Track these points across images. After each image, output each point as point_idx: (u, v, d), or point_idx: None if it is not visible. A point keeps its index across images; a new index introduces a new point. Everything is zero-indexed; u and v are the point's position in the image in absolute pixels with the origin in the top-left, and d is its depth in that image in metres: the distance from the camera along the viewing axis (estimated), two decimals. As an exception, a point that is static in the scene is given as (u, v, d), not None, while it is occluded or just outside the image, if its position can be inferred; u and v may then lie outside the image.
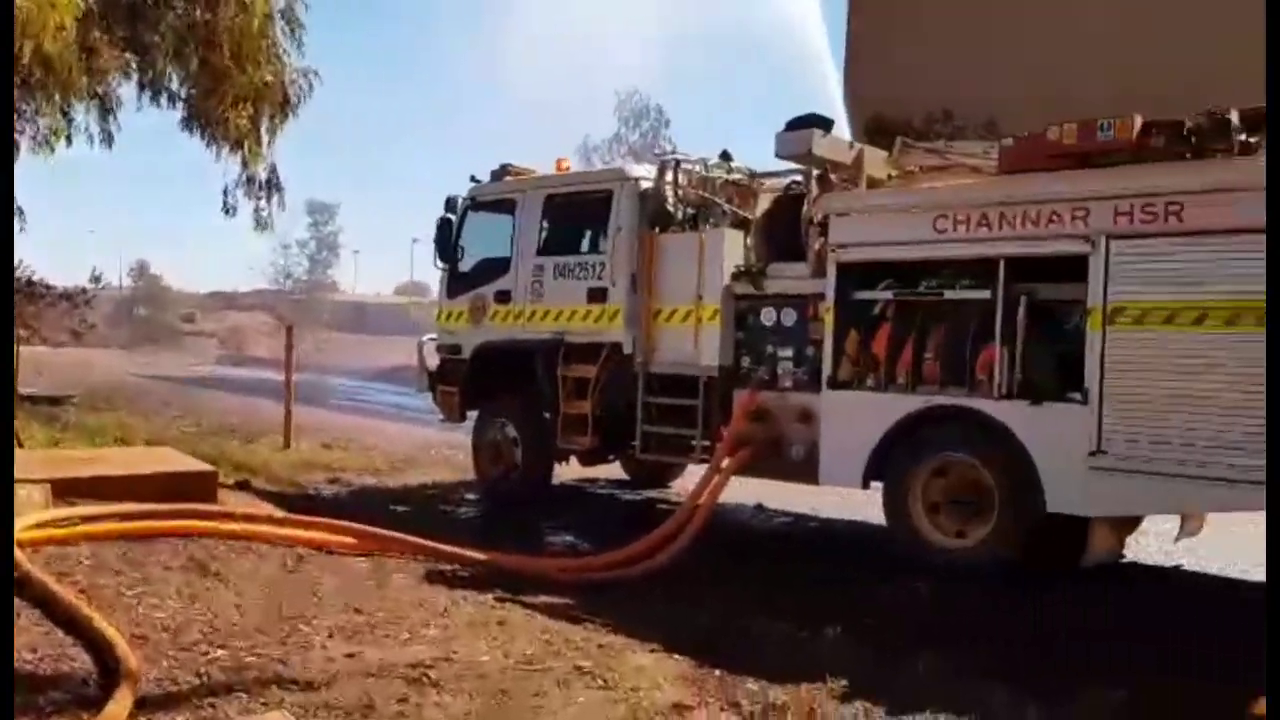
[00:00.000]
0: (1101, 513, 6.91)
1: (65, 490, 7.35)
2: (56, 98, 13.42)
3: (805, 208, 8.47)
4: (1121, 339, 6.69)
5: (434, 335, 11.47)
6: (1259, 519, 6.00)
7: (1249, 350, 6.14)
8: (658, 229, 9.40)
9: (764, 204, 9.12)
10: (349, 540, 7.24)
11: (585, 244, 10.05)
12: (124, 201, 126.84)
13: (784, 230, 8.64)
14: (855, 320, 8.05)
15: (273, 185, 14.60)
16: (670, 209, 9.46)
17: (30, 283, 21.54)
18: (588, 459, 10.61)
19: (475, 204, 10.93)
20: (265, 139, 14.33)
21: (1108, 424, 6.72)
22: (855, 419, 7.93)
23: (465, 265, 10.99)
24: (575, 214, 10.19)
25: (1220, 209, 6.33)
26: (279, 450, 13.10)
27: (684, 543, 7.73)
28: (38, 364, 21.58)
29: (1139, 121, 6.82)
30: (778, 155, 8.66)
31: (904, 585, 7.12)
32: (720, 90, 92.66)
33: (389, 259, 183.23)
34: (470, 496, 10.99)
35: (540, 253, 10.20)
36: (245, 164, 14.26)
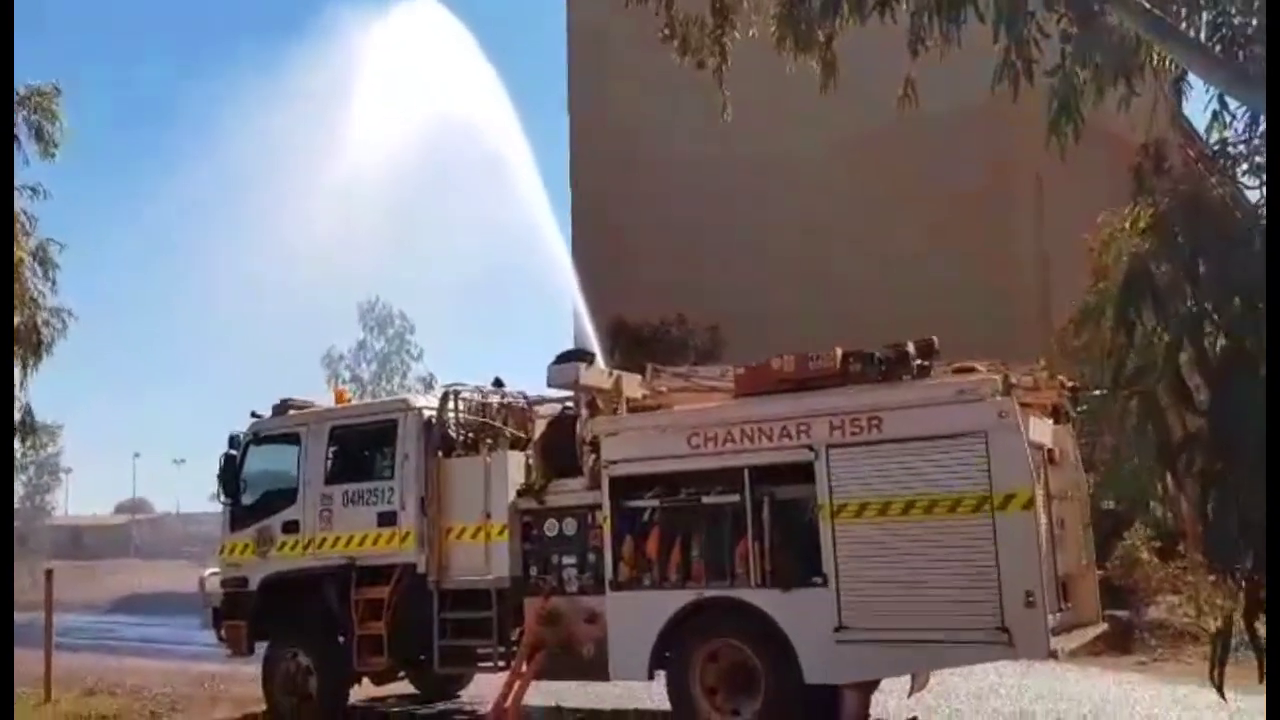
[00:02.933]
0: (849, 679, 8.16)
1: None
2: None
3: (579, 429, 9.62)
4: (848, 530, 8.13)
5: (215, 570, 11.57)
6: (966, 672, 7.41)
7: (946, 532, 7.73)
8: (441, 454, 10.24)
9: (540, 427, 10.21)
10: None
11: (373, 471, 10.71)
12: None
13: (561, 450, 9.73)
14: (629, 527, 9.14)
15: (27, 426, 14.27)
16: (452, 434, 10.35)
17: None
18: (381, 678, 10.93)
19: (259, 438, 11.36)
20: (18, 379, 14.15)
21: (845, 602, 8.05)
22: (636, 616, 8.91)
23: (249, 499, 11.31)
24: (362, 443, 10.87)
25: (909, 420, 8.00)
26: (40, 704, 12.41)
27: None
28: None
29: (840, 352, 8.51)
30: (550, 385, 9.86)
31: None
32: (463, 297, 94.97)
33: (106, 476, 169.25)
34: (261, 733, 10.94)
35: (329, 481, 10.74)
36: None
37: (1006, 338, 17.89)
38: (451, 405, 10.38)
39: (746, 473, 8.60)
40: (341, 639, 10.59)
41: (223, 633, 11.31)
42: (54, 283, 15.31)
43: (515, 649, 9.47)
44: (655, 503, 9.08)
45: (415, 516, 10.16)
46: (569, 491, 9.56)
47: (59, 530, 68.65)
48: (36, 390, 15.37)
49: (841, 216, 26.21)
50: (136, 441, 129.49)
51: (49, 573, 13.74)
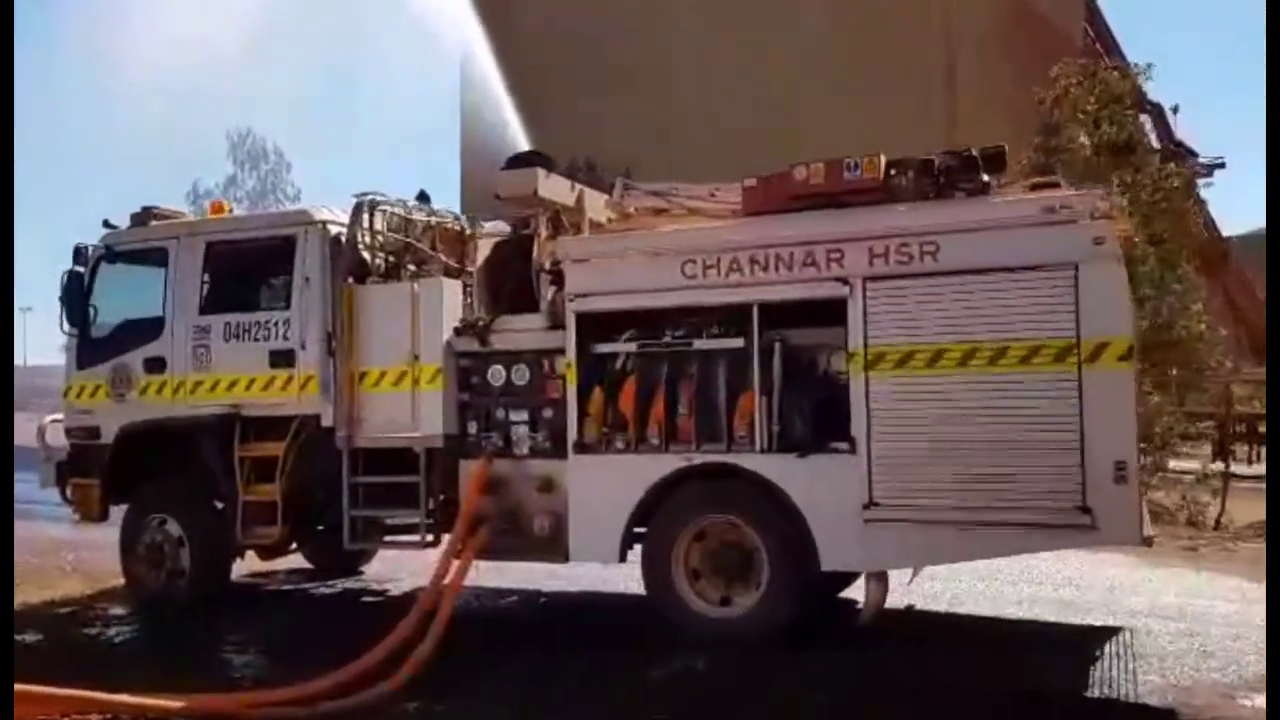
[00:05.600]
0: (880, 567, 6.65)
1: None
2: None
3: (535, 254, 7.65)
4: (886, 384, 6.49)
5: (59, 416, 9.29)
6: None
7: (1015, 389, 6.17)
8: (352, 280, 8.13)
9: (484, 251, 8.16)
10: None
11: (263, 299, 8.53)
12: None
13: (511, 278, 7.76)
14: (598, 376, 7.33)
15: None
16: (366, 256, 8.22)
17: None
18: (270, 552, 9.01)
19: (112, 254, 8.99)
20: None
21: (878, 473, 6.47)
22: (606, 485, 7.18)
23: (101, 329, 9.00)
24: (248, 263, 8.65)
25: (974, 246, 6.31)
26: None
27: (430, 645, 6.55)
28: None
29: (883, 160, 6.72)
30: (499, 196, 7.78)
31: (682, 663, 6.50)
32: (342, 131, 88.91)
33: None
34: (118, 612, 8.91)
35: (205, 311, 8.53)
36: None
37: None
38: (366, 220, 8.21)
39: (755, 310, 6.83)
40: (220, 504, 8.58)
41: (69, 492, 9.14)
42: None
43: (437, 520, 7.73)
44: (633, 346, 7.26)
45: (319, 357, 8.10)
46: (521, 331, 7.64)
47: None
48: None
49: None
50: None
51: None
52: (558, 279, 7.51)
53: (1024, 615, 8.01)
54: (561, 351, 7.39)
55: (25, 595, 9.43)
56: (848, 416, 6.59)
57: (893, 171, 6.72)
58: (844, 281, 6.59)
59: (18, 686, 5.34)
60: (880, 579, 6.77)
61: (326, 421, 8.05)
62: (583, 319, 7.28)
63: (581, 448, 7.26)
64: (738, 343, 6.94)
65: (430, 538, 7.83)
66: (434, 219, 8.68)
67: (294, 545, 9.24)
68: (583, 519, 7.23)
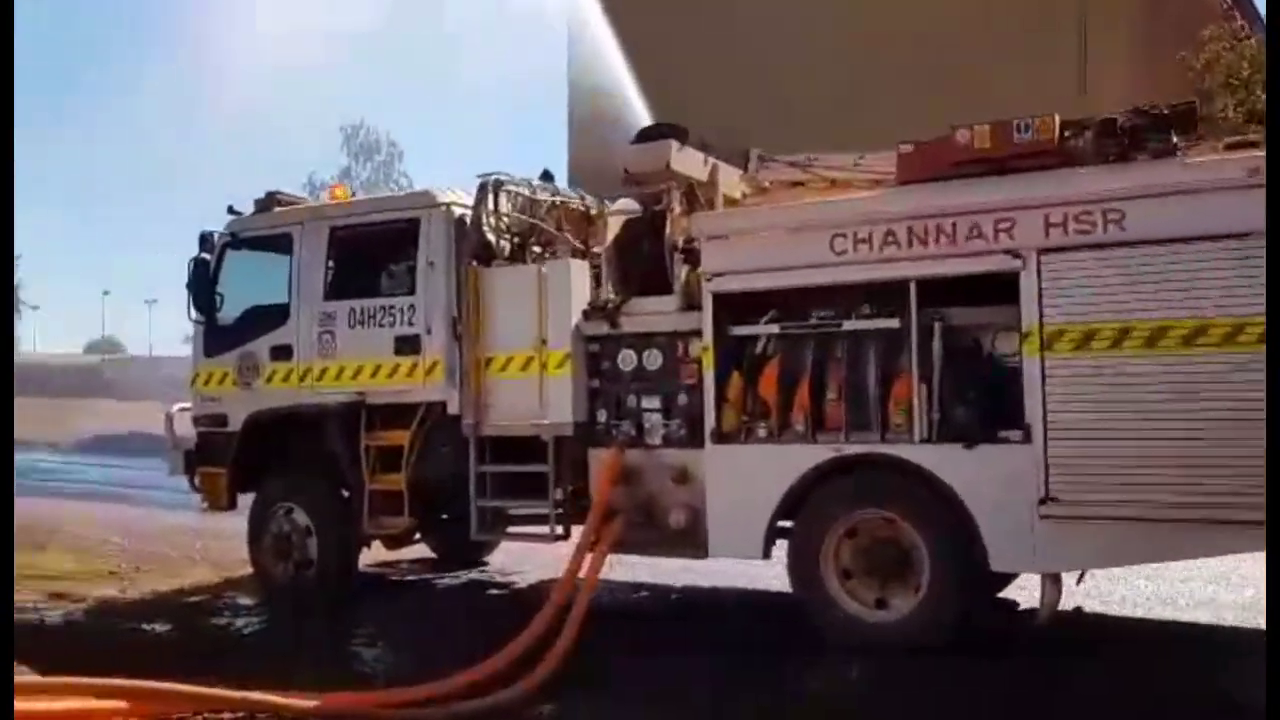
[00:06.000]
0: (1058, 568, 6.04)
1: None
2: None
3: (668, 231, 7.22)
4: (1064, 366, 5.86)
5: (187, 404, 9.26)
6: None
7: (1214, 372, 5.49)
8: (477, 263, 7.82)
9: (613, 230, 7.76)
10: (120, 705, 5.17)
11: (388, 284, 8.30)
12: None
13: (643, 258, 7.35)
14: (738, 360, 6.88)
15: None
16: (491, 238, 7.90)
17: None
18: (396, 542, 8.81)
19: (237, 241, 8.89)
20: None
21: (1056, 465, 5.85)
22: (748, 477, 6.72)
23: (228, 316, 8.91)
24: (372, 249, 8.42)
25: (1166, 213, 5.64)
26: (-24, 561, 10.27)
27: (567, 644, 6.21)
28: None
29: (1057, 120, 6.08)
30: (629, 172, 7.38)
31: (837, 670, 6.01)
32: (453, 121, 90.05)
33: (75, 314, 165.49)
34: (246, 602, 8.84)
35: (330, 296, 8.34)
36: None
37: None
38: (491, 201, 7.89)
39: (913, 288, 6.27)
40: (347, 493, 8.40)
41: (197, 481, 9.09)
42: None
43: (566, 512, 7.41)
44: (775, 328, 6.77)
45: (444, 342, 7.83)
46: (655, 313, 7.22)
47: (27, 368, 66.39)
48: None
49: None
50: (106, 279, 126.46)
51: None
52: (692, 258, 7.07)
53: (1206, 619, 7.28)
54: (697, 334, 6.95)
55: (154, 583, 9.50)
56: (1020, 403, 5.98)
57: (1067, 133, 6.08)
58: (1015, 254, 5.98)
59: (153, 684, 5.18)
60: (1055, 580, 6.15)
61: (452, 409, 7.78)
62: (720, 299, 6.82)
63: (720, 436, 6.81)
64: (892, 323, 6.40)
65: (559, 530, 7.49)
66: (559, 198, 8.33)
67: (418, 535, 9.04)
68: (723, 513, 6.79)
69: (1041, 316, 5.90)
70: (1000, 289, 6.07)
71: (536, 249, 8.07)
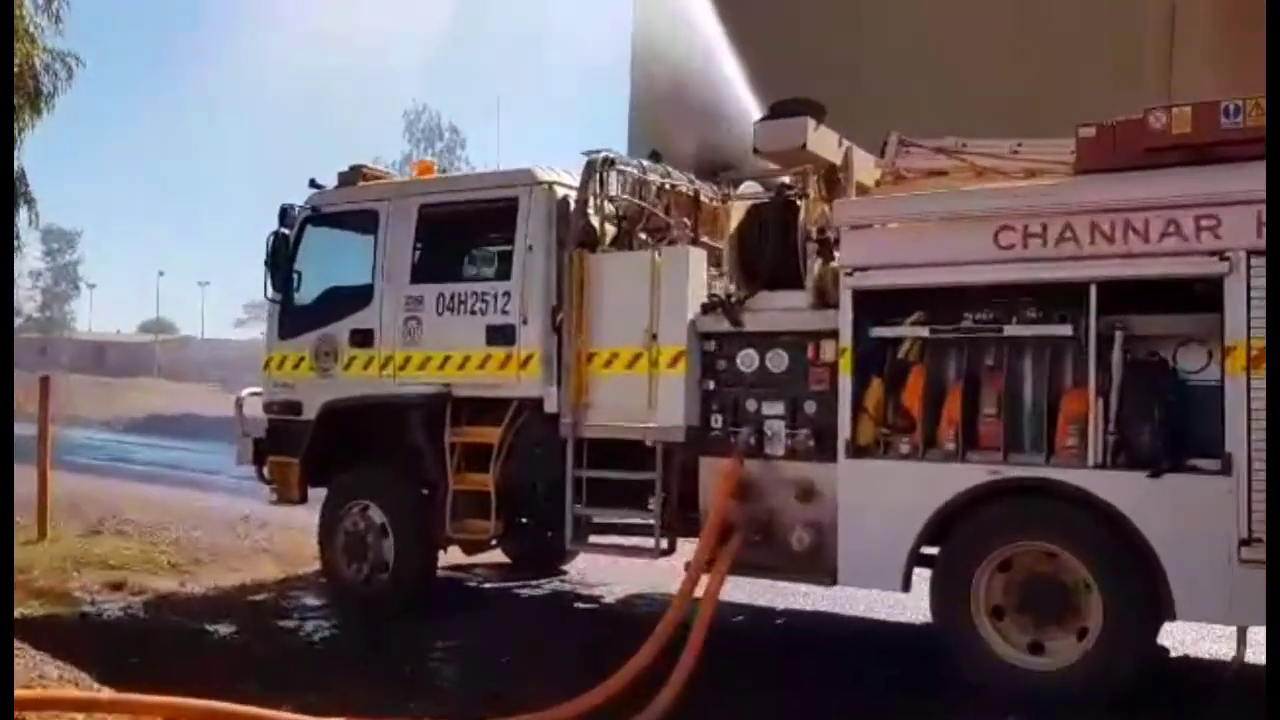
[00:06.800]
0: (1256, 621, 5.24)
1: None
2: None
3: (801, 219, 6.49)
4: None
5: (258, 389, 8.69)
6: None
7: None
8: (581, 248, 7.15)
9: (736, 217, 7.04)
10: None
11: (481, 267, 7.65)
12: None
13: (768, 249, 6.62)
14: (878, 365, 6.14)
15: (23, 197, 11.30)
16: (596, 222, 7.23)
17: None
18: (476, 546, 8.17)
19: (319, 216, 8.30)
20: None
21: (1263, 503, 5.06)
22: (888, 497, 5.98)
23: (305, 296, 8.32)
24: (464, 229, 7.80)
25: None
26: (32, 542, 9.82)
27: (686, 671, 5.53)
28: None
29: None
30: (759, 151, 6.66)
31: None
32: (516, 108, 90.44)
33: (129, 294, 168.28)
34: (314, 602, 8.27)
35: (416, 279, 7.72)
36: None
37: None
38: (598, 181, 7.22)
39: (1093, 290, 5.50)
40: (428, 492, 7.77)
41: (266, 471, 8.52)
42: (59, 19, 12.04)
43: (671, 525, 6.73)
44: (924, 331, 6.03)
45: (542, 334, 7.17)
46: (781, 310, 6.51)
47: (81, 345, 67.13)
48: (41, 165, 12.45)
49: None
50: (161, 260, 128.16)
51: (44, 380, 10.92)
52: (827, 249, 6.35)
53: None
54: (830, 335, 6.22)
55: (215, 577, 8.97)
56: (1215, 427, 5.20)
57: (1284, 116, 5.27)
58: (1221, 256, 5.19)
59: (235, 707, 4.56)
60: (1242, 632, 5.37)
61: (549, 407, 7.12)
62: (860, 297, 6.09)
63: (856, 450, 6.08)
64: (1064, 329, 5.63)
65: (665, 544, 6.80)
66: (669, 181, 7.64)
67: (494, 539, 8.39)
68: (856, 536, 6.05)
69: (1249, 327, 5.11)
70: (1198, 295, 5.29)
71: (643, 235, 7.39)
